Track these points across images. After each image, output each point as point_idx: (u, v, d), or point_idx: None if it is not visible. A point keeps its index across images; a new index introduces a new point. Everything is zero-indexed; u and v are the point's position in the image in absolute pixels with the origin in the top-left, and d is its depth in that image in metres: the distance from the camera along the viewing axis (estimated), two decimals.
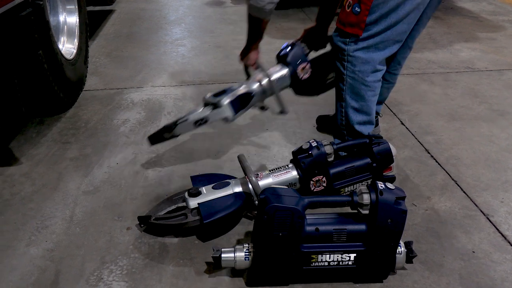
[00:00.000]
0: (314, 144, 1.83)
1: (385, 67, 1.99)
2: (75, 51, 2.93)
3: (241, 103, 2.02)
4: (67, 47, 2.93)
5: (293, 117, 2.68)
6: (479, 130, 2.56)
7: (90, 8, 4.67)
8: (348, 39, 1.88)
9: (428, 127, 2.59)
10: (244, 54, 2.12)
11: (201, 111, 2.01)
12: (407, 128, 2.57)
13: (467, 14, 4.86)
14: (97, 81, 3.19)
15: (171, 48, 3.90)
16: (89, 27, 3.30)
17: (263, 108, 2.17)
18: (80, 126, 2.60)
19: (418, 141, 2.45)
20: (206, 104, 2.03)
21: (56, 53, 2.52)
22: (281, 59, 2.11)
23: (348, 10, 1.84)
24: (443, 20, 4.63)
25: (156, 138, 2.11)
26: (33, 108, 2.62)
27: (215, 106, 1.99)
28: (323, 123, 2.53)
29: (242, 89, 2.03)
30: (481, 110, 2.79)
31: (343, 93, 1.99)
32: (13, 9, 2.10)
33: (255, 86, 2.05)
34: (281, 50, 2.12)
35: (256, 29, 2.00)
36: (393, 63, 2.14)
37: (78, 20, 3.04)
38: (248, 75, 2.17)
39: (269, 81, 2.05)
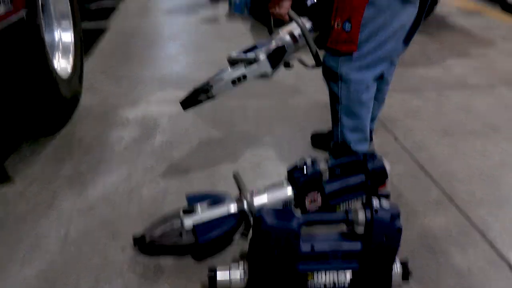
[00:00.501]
0: (308, 161, 1.84)
1: (376, 84, 2.01)
2: (70, 68, 2.93)
3: (277, 57, 1.97)
4: (62, 64, 2.93)
5: (287, 134, 2.69)
6: (472, 146, 2.58)
7: (85, 25, 4.69)
8: (339, 61, 1.90)
9: (422, 143, 2.60)
10: (274, 3, 1.96)
11: (237, 69, 1.95)
12: (400, 144, 2.59)
13: (458, 30, 4.92)
14: (92, 98, 3.19)
15: (166, 64, 3.92)
16: (84, 44, 3.31)
17: (288, 65, 2.07)
18: (75, 143, 2.59)
19: (412, 156, 2.46)
20: (233, 62, 1.96)
21: (51, 71, 2.52)
22: (309, 9, 2.04)
23: (338, 28, 1.85)
24: (435, 36, 4.69)
25: (190, 101, 2.02)
26: (28, 126, 2.61)
27: (250, 62, 1.93)
28: (318, 140, 2.54)
29: (275, 43, 1.98)
30: (474, 126, 2.81)
31: (338, 114, 2.01)
32: (8, 27, 2.10)
33: (288, 38, 2.00)
34: (306, 1, 2.07)
35: None
36: (380, 80, 2.16)
37: (73, 37, 3.05)
38: (271, 30, 2.06)
39: (305, 31, 1.97)
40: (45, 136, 2.64)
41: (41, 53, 2.40)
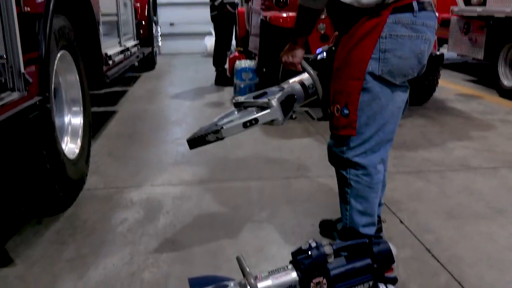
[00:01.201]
0: (313, 244, 1.81)
1: (382, 166, 2.03)
2: (77, 150, 3.00)
3: (288, 105, 1.96)
4: (70, 147, 3.00)
5: (291, 216, 2.68)
6: (478, 228, 2.55)
7: (94, 108, 4.85)
8: (344, 146, 1.93)
9: (427, 226, 2.58)
10: (287, 52, 1.99)
11: (249, 112, 1.94)
12: (406, 227, 2.57)
13: (458, 114, 5.04)
14: (98, 180, 3.23)
15: (171, 147, 4.00)
16: (92, 127, 3.41)
17: (291, 115, 2.08)
18: (78, 225, 2.58)
19: (418, 240, 2.43)
20: (239, 106, 1.95)
21: (59, 153, 2.58)
22: (317, 64, 2.06)
23: (338, 115, 1.90)
24: (436, 119, 4.80)
25: (197, 141, 1.97)
26: (33, 208, 2.62)
27: (263, 107, 1.92)
28: (327, 228, 2.50)
29: (287, 91, 1.97)
30: (478, 208, 2.80)
31: (347, 196, 2.02)
32: (21, 112, 2.18)
33: (298, 87, 2.01)
34: (317, 55, 2.08)
35: (306, 19, 1.90)
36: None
37: (82, 121, 3.14)
38: (279, 80, 2.07)
39: (316, 82, 1.98)
40: (49, 217, 2.64)
41: (51, 136, 2.47)
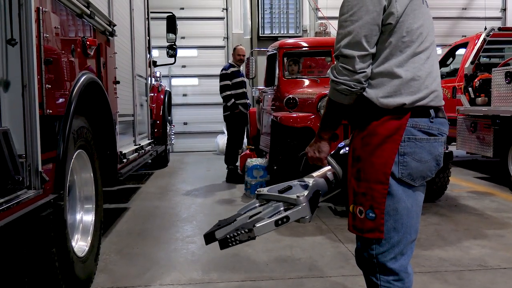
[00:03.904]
0: None
1: (411, 267, 1.93)
2: (87, 248, 2.98)
3: (315, 202, 1.90)
4: (80, 244, 2.98)
5: None
6: None
7: (106, 205, 4.88)
8: (373, 251, 1.85)
9: None
10: (312, 147, 1.97)
11: (277, 210, 1.88)
12: None
13: (472, 211, 4.97)
14: (105, 279, 3.16)
15: (181, 245, 3.95)
16: (103, 223, 3.40)
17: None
18: None
19: None
20: (259, 197, 1.91)
21: (69, 251, 2.56)
22: (340, 158, 2.02)
23: (361, 217, 1.84)
24: (449, 217, 4.73)
25: (227, 242, 1.84)
26: None
27: (291, 204, 1.86)
28: None
29: (313, 186, 1.92)
30: None
31: None
32: (35, 210, 2.20)
33: (323, 183, 1.96)
34: (339, 149, 2.05)
35: (335, 114, 1.90)
36: None
37: (94, 218, 3.16)
38: (299, 175, 1.99)
39: (340, 178, 1.94)
40: None
41: (61, 234, 2.47)
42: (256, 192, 2.00)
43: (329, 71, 1.83)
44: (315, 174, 2.06)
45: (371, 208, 1.81)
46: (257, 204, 1.99)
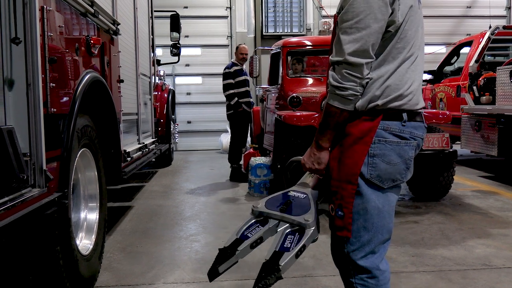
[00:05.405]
0: None
1: (386, 264, 1.94)
2: (91, 247, 2.98)
3: (318, 219, 1.90)
4: (84, 243, 2.99)
5: None
6: None
7: (110, 203, 4.89)
8: (344, 249, 1.86)
9: None
10: (310, 158, 1.90)
11: (285, 234, 1.84)
12: None
13: (476, 210, 4.95)
14: (109, 277, 3.17)
15: (185, 244, 3.95)
16: (107, 222, 3.41)
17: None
18: None
19: None
20: (256, 213, 1.87)
21: (73, 249, 2.57)
22: None
23: (333, 214, 1.87)
24: (453, 216, 4.71)
25: (259, 284, 1.78)
26: None
27: (301, 227, 1.84)
28: None
29: (314, 204, 1.89)
30: None
31: None
32: (39, 208, 2.21)
33: (316, 194, 1.95)
34: None
35: (333, 122, 1.82)
36: None
37: (98, 217, 3.16)
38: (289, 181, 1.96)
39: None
40: None
41: (66, 233, 2.48)
42: (252, 207, 1.95)
43: (329, 77, 1.78)
44: (308, 181, 2.04)
45: (340, 207, 1.83)
46: (253, 221, 1.94)
